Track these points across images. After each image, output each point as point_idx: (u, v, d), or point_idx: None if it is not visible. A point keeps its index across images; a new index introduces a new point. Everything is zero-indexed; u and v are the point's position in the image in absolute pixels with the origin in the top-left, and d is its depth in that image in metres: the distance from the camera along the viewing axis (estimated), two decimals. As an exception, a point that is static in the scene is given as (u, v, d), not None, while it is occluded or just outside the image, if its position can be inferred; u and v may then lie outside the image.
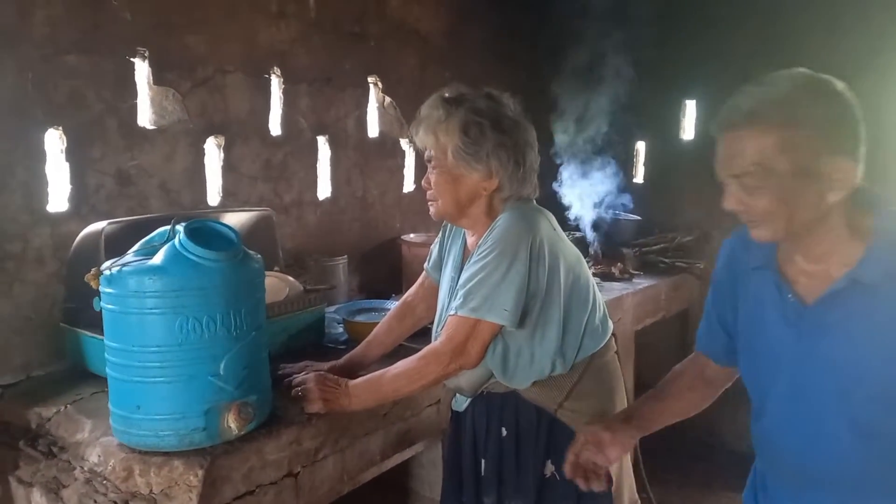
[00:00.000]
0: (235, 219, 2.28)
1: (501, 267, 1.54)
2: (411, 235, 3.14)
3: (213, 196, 2.43)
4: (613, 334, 1.78)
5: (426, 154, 1.68)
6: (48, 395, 1.78)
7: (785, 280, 1.24)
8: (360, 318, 2.28)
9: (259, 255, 1.57)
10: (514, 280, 1.54)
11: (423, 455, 2.22)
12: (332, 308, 2.43)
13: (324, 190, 2.87)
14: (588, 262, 3.45)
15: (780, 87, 1.14)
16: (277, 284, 2.14)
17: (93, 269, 1.39)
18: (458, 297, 1.59)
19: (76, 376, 1.88)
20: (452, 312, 1.59)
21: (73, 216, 2.01)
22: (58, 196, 2.00)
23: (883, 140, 2.91)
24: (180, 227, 1.42)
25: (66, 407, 1.71)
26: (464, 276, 1.61)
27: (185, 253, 1.39)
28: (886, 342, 1.13)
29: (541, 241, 1.57)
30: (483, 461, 1.72)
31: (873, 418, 1.16)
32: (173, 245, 1.41)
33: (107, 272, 1.39)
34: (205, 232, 1.47)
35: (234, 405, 1.44)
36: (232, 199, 2.49)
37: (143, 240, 1.51)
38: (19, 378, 1.93)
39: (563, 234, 1.70)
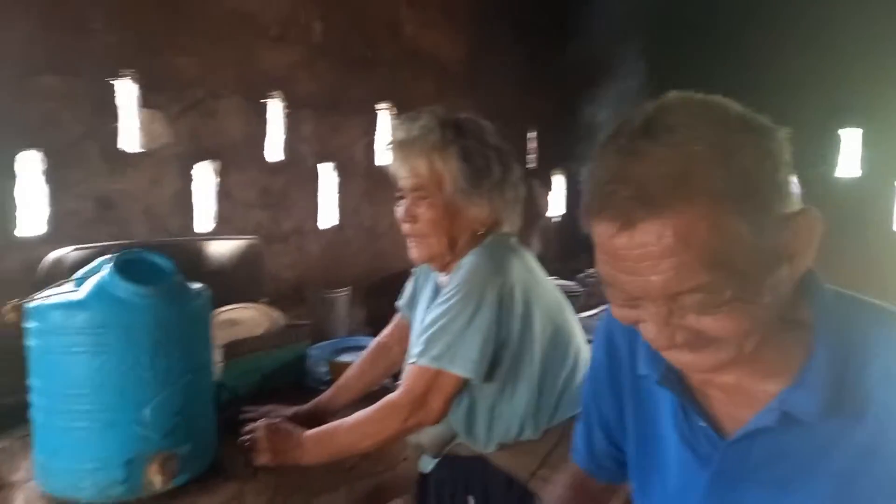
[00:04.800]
0: (221, 247, 2.19)
1: (466, 312, 1.36)
2: (423, 268, 2.98)
3: (204, 222, 2.34)
4: None
5: (407, 181, 1.50)
6: (5, 427, 1.69)
7: (690, 395, 0.87)
8: (345, 358, 2.13)
9: (205, 289, 1.44)
10: (479, 327, 1.36)
11: (404, 511, 2.04)
12: (321, 345, 2.28)
13: (328, 219, 2.75)
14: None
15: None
16: (257, 318, 2.01)
17: (10, 302, 1.29)
18: (419, 343, 1.42)
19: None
20: (413, 361, 1.42)
21: (46, 241, 1.94)
22: (31, 220, 1.94)
23: None
24: (111, 259, 1.31)
25: (13, 442, 1.61)
26: (426, 320, 1.44)
27: (110, 287, 1.27)
28: (827, 495, 0.80)
29: (511, 285, 1.39)
30: (448, 529, 1.53)
31: None
32: (101, 278, 1.30)
33: (27, 305, 1.29)
34: (141, 264, 1.35)
35: (157, 456, 1.30)
36: (227, 226, 2.40)
37: (83, 270, 1.41)
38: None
39: (543, 277, 1.51)
